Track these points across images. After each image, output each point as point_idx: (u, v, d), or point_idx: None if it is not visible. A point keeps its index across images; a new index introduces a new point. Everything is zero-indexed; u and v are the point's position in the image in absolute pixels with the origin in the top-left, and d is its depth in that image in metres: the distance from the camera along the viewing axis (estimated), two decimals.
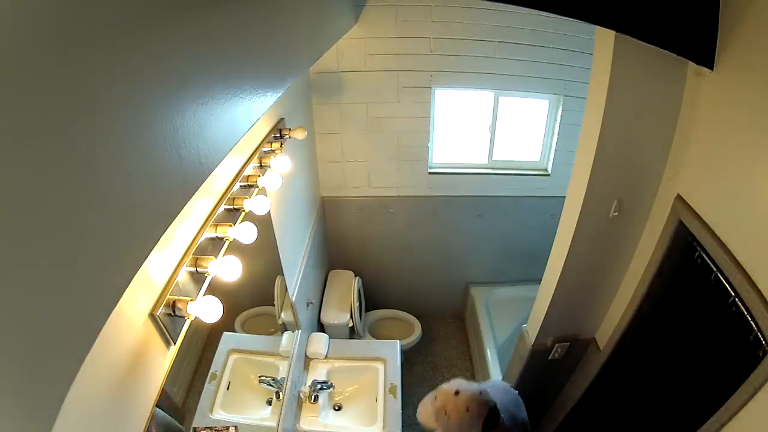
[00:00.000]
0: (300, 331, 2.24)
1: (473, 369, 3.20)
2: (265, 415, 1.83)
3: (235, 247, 1.17)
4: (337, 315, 2.86)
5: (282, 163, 1.57)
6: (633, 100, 1.35)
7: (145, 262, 0.52)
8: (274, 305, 1.98)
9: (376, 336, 3.16)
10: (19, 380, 0.36)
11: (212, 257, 1.04)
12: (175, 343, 0.95)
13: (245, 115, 0.79)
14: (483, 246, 3.29)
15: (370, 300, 3.37)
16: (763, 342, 1.03)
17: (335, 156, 2.89)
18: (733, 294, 1.14)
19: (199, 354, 1.35)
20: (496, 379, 1.48)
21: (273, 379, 1.87)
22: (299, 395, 2.12)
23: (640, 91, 1.34)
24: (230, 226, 1.17)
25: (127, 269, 0.48)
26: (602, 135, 1.39)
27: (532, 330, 2.00)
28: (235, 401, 1.58)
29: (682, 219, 1.35)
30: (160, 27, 0.52)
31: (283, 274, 1.96)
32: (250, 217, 1.29)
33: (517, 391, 1.48)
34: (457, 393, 1.24)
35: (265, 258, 1.81)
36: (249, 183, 1.40)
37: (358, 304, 3.00)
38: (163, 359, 0.94)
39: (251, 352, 1.87)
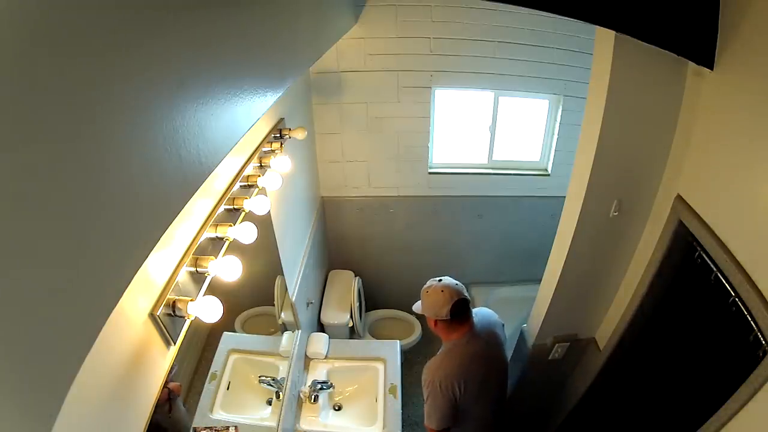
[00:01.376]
0: (300, 331, 2.24)
1: None
2: (265, 415, 1.83)
3: (235, 247, 1.17)
4: (337, 315, 2.86)
5: (282, 163, 1.57)
6: (633, 100, 1.35)
7: (145, 262, 0.52)
8: (274, 305, 1.98)
9: (376, 336, 3.16)
10: (19, 380, 0.36)
11: (212, 257, 1.04)
12: (175, 343, 0.96)
13: (245, 115, 0.79)
14: (483, 246, 3.29)
15: (370, 300, 3.37)
16: (763, 342, 1.03)
17: (335, 156, 2.89)
18: (733, 294, 1.13)
19: (199, 354, 1.36)
20: (485, 308, 1.78)
21: (273, 379, 1.87)
22: (299, 395, 2.12)
23: (640, 91, 1.34)
24: (230, 226, 1.17)
25: (127, 269, 0.48)
26: (602, 135, 1.39)
27: (532, 330, 2.00)
28: (235, 401, 1.58)
29: (682, 219, 1.35)
30: (159, 28, 0.52)
31: (283, 274, 1.96)
32: (250, 217, 1.29)
33: (502, 323, 1.76)
34: (440, 281, 1.57)
35: (265, 258, 1.81)
36: (249, 183, 1.40)
37: (358, 304, 3.00)
38: (163, 359, 0.94)
39: (251, 352, 1.87)
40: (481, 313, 1.69)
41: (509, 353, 2.28)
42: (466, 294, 1.56)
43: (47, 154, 0.36)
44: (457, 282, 1.58)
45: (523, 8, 1.85)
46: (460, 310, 1.53)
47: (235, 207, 1.26)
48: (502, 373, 1.70)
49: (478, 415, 1.64)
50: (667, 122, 1.39)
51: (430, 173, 2.99)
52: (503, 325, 1.75)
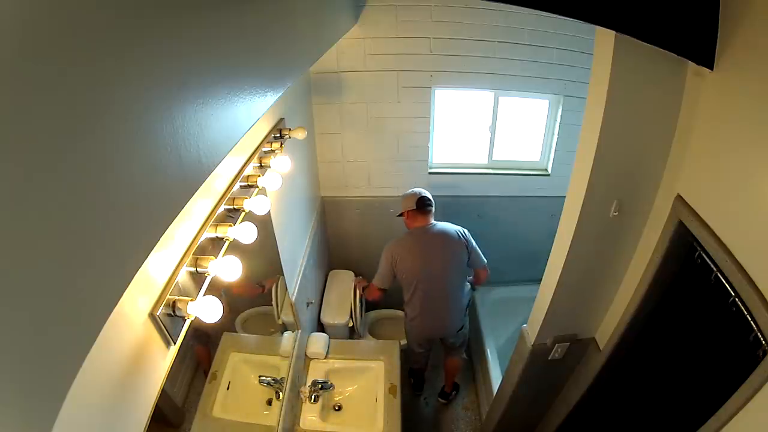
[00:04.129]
0: (300, 331, 2.24)
1: (473, 369, 3.20)
2: (265, 415, 1.83)
3: (235, 247, 1.17)
4: (337, 315, 2.86)
5: (282, 163, 1.57)
6: (633, 100, 1.35)
7: (145, 262, 0.52)
8: (271, 305, 1.97)
9: (376, 336, 3.16)
10: (18, 381, 0.36)
11: (212, 257, 1.04)
12: (175, 343, 0.95)
13: (245, 115, 0.79)
14: (482, 246, 3.27)
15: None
16: (763, 342, 1.03)
17: (335, 156, 2.89)
18: (733, 294, 1.13)
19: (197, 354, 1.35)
20: (449, 224, 2.44)
21: (273, 379, 1.87)
22: (299, 395, 2.12)
23: (640, 91, 1.34)
24: (230, 226, 1.17)
25: (127, 269, 0.48)
26: (602, 135, 1.39)
27: (532, 330, 2.00)
28: (235, 401, 1.58)
29: (682, 219, 1.35)
30: (160, 29, 0.52)
31: (283, 274, 1.96)
32: (250, 217, 1.29)
33: (460, 231, 2.40)
34: (413, 189, 2.45)
35: (265, 258, 1.81)
36: (249, 183, 1.40)
37: (357, 304, 3.00)
38: (163, 359, 0.94)
39: (251, 352, 1.87)
40: (442, 223, 2.37)
41: (509, 354, 2.29)
42: (430, 197, 2.36)
43: (48, 154, 0.36)
44: (424, 190, 2.37)
45: (523, 8, 1.86)
46: (423, 204, 2.32)
47: (235, 207, 1.26)
48: (435, 265, 2.31)
49: (417, 286, 2.34)
50: (667, 122, 1.39)
51: (430, 173, 2.99)
52: (463, 232, 2.37)
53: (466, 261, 2.37)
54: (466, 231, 2.39)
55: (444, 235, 2.33)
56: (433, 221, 2.36)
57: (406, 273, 2.34)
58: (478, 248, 2.41)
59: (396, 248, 2.32)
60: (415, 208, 2.32)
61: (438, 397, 3.07)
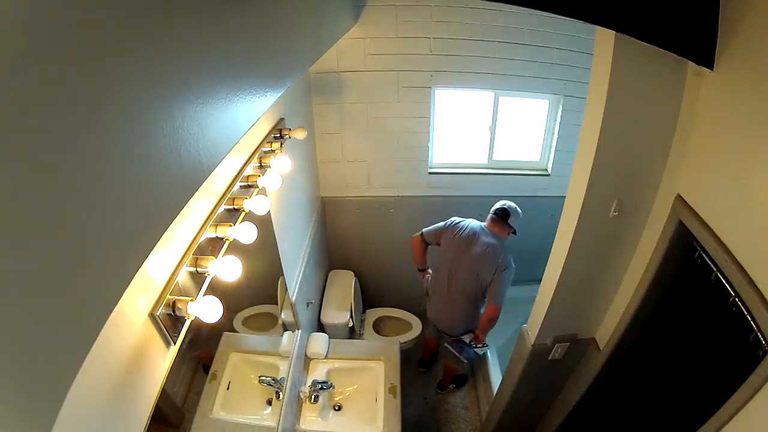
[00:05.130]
0: (300, 331, 2.24)
1: (473, 368, 3.20)
2: (265, 415, 1.83)
3: (235, 247, 1.17)
4: (337, 315, 2.86)
5: (282, 163, 1.56)
6: (633, 100, 1.35)
7: (145, 262, 0.52)
8: (273, 304, 1.97)
9: (377, 335, 3.16)
10: (18, 381, 0.36)
11: (212, 257, 1.04)
12: (175, 343, 0.95)
13: (245, 115, 0.79)
14: None
15: (371, 300, 3.36)
16: (763, 342, 1.03)
17: (335, 156, 2.89)
18: (733, 294, 1.13)
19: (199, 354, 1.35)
20: (508, 256, 2.44)
21: (273, 379, 1.87)
22: (299, 395, 2.12)
23: (640, 91, 1.34)
24: (230, 226, 1.17)
25: (127, 269, 0.48)
26: (602, 135, 1.39)
27: (532, 330, 2.00)
28: (235, 401, 1.58)
29: (682, 219, 1.35)
30: (161, 29, 0.52)
31: (283, 274, 1.96)
32: (250, 217, 1.29)
33: (499, 260, 2.39)
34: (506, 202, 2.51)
35: (265, 258, 1.81)
36: (249, 183, 1.40)
37: (356, 304, 3.00)
38: (163, 359, 0.94)
39: (251, 352, 1.87)
40: (498, 242, 2.41)
41: (509, 354, 2.29)
42: (512, 211, 2.40)
43: (48, 154, 0.36)
44: (510, 206, 2.42)
45: (523, 8, 1.85)
46: (497, 214, 2.41)
47: (235, 207, 1.26)
48: (460, 262, 2.42)
49: (438, 268, 2.53)
50: (667, 122, 1.39)
51: (430, 173, 2.98)
52: (507, 261, 2.36)
53: (487, 281, 2.37)
54: (512, 266, 2.37)
55: (487, 246, 2.37)
56: (498, 232, 2.41)
57: (442, 249, 2.49)
58: (504, 287, 2.36)
59: (454, 223, 2.48)
60: (490, 213, 2.48)
61: (436, 388, 3.13)
